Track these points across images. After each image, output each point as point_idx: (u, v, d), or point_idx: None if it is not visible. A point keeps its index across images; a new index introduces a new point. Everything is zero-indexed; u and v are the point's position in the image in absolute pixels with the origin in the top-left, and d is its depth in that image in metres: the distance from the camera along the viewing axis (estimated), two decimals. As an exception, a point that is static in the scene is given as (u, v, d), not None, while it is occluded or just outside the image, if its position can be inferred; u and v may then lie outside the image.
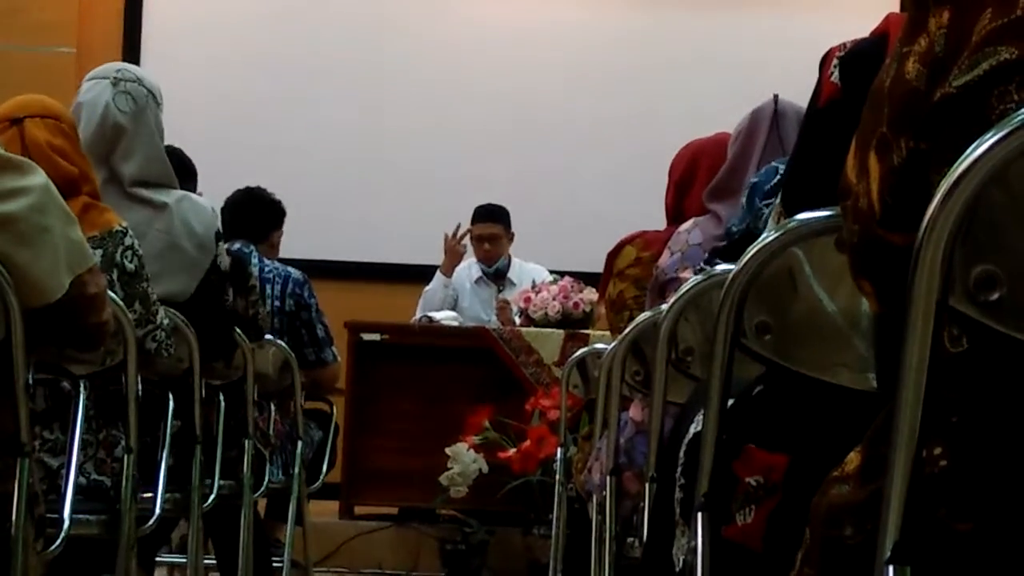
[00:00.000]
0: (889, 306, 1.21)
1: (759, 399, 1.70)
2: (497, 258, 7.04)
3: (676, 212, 3.55)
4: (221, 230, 3.63)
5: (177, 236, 3.49)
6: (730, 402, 1.69)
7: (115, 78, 3.56)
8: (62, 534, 2.60)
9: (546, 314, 6.44)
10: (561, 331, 6.35)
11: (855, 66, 1.63)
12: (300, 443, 4.87)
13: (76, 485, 2.79)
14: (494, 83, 8.16)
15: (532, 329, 6.41)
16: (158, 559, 4.78)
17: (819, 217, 1.55)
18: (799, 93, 2.34)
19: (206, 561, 4.20)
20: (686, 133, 3.81)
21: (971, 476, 1.13)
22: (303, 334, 5.25)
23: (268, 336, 4.35)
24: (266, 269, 5.24)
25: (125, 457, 3.02)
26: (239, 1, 8.24)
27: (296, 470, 4.84)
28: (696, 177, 3.47)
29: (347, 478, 6.46)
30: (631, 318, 3.11)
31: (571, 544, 4.16)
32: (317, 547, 5.81)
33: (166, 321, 3.26)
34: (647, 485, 2.43)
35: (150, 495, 3.22)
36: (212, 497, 3.72)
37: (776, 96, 3.19)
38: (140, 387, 3.00)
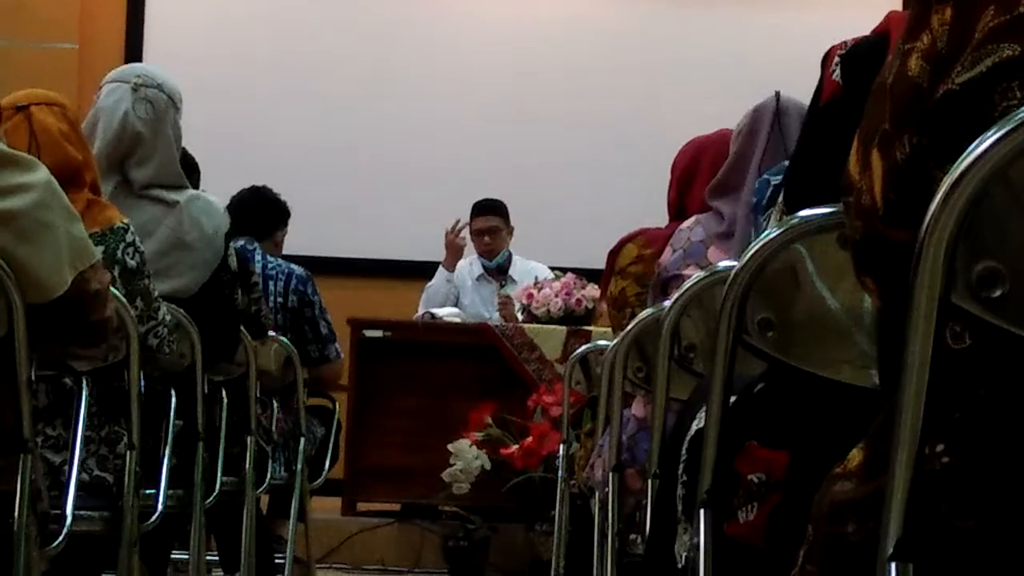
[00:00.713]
0: (891, 302, 1.21)
1: (761, 396, 1.70)
2: (497, 252, 7.04)
3: (678, 209, 3.55)
4: (231, 230, 3.63)
5: (186, 233, 3.49)
6: (732, 399, 1.69)
7: (135, 83, 3.53)
8: (64, 530, 2.61)
9: (548, 311, 6.44)
10: (563, 328, 6.35)
11: (856, 64, 1.63)
12: (302, 440, 4.88)
13: (78, 481, 2.80)
14: (496, 80, 8.16)
15: (534, 326, 6.41)
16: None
17: (821, 214, 1.55)
18: (801, 90, 2.34)
19: (208, 557, 4.21)
20: (688, 130, 3.81)
21: (973, 473, 1.13)
22: (307, 330, 5.26)
23: (271, 332, 4.35)
24: (269, 266, 5.25)
25: (127, 453, 3.02)
26: (241, -3, 8.25)
27: (298, 466, 4.85)
28: (698, 174, 3.46)
29: (349, 474, 6.46)
30: (633, 315, 3.11)
31: (573, 541, 4.16)
32: (319, 543, 5.82)
33: (168, 317, 3.26)
34: (649, 482, 2.43)
35: (152, 491, 3.22)
36: (214, 493, 3.73)
37: (778, 93, 3.18)
38: (142, 383, 3.00)
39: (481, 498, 6.13)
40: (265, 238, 5.40)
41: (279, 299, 5.21)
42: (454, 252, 7.06)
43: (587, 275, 6.47)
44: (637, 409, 3.23)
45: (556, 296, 6.45)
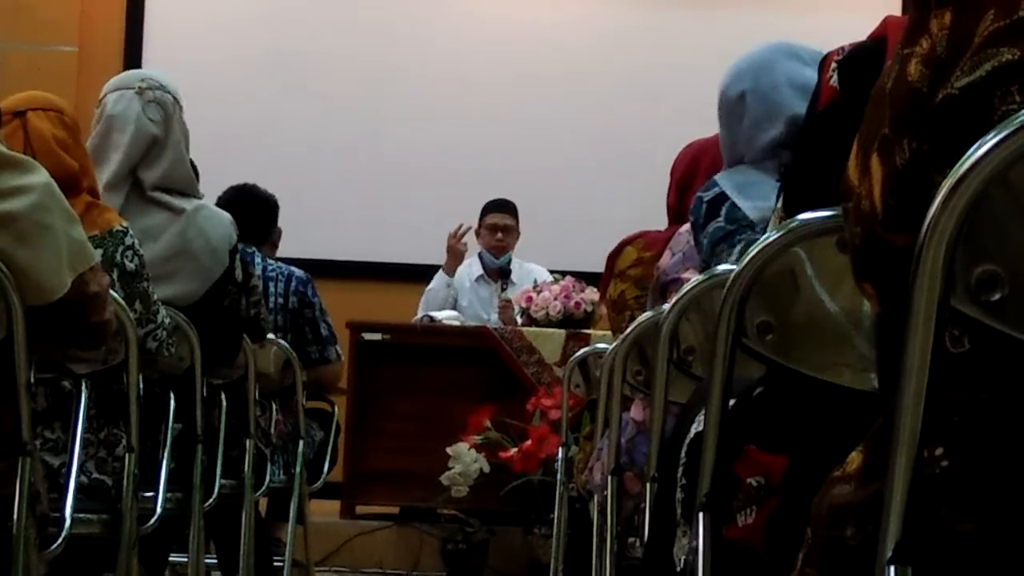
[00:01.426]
0: (891, 307, 1.21)
1: (760, 399, 1.70)
2: (507, 250, 7.03)
3: (677, 212, 3.54)
4: (237, 243, 3.63)
5: (190, 241, 3.49)
6: (731, 402, 1.69)
7: (140, 87, 3.55)
8: (63, 533, 2.61)
9: (547, 314, 6.44)
10: (562, 331, 6.35)
11: (854, 69, 1.63)
12: (301, 443, 4.88)
13: (77, 484, 2.80)
14: (496, 83, 8.17)
15: (533, 329, 6.41)
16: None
17: (821, 217, 1.55)
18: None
19: (207, 560, 4.20)
20: (688, 133, 3.80)
21: (972, 477, 1.13)
22: (307, 332, 5.26)
23: (270, 336, 4.35)
24: (269, 268, 5.25)
25: (126, 456, 3.02)
26: None
27: (297, 469, 4.85)
28: (697, 177, 3.46)
29: (348, 477, 6.46)
30: (632, 318, 3.11)
31: (572, 544, 4.16)
32: (318, 546, 5.81)
33: (167, 320, 3.26)
34: (648, 485, 2.43)
35: (151, 494, 3.22)
36: (213, 496, 3.73)
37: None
38: (141, 386, 3.00)
39: (480, 501, 6.13)
40: (263, 242, 5.40)
41: (279, 300, 5.21)
42: (455, 257, 7.05)
43: (586, 278, 6.48)
44: (636, 412, 3.23)
45: (555, 299, 6.45)
